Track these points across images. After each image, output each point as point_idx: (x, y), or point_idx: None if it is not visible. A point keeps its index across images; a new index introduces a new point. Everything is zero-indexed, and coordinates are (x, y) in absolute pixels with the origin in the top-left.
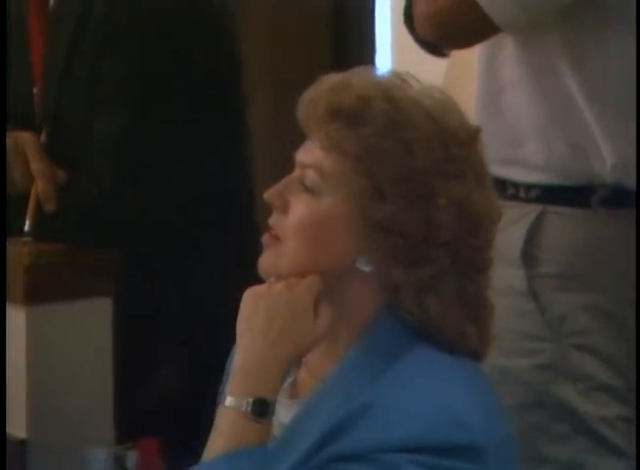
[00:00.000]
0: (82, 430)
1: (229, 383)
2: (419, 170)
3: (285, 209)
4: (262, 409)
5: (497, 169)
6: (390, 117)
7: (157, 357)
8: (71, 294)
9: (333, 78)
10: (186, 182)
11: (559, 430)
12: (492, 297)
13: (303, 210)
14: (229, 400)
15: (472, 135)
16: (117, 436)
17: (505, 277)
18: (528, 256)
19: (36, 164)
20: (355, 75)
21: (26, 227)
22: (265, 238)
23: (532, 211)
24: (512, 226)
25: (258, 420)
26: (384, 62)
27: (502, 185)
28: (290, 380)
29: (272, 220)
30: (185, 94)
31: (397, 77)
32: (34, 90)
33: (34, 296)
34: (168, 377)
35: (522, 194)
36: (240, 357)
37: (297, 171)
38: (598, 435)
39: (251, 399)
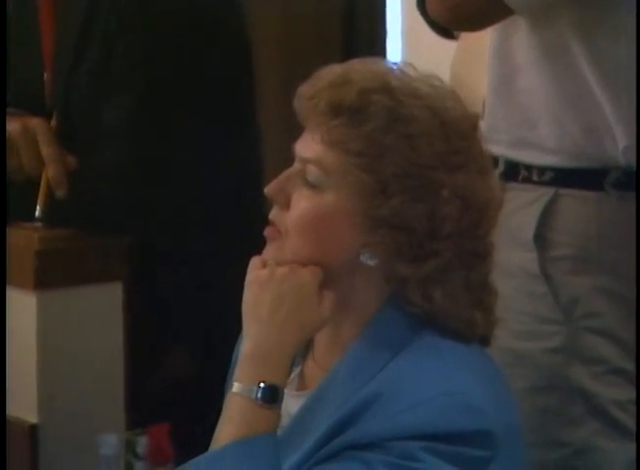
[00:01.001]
0: (93, 415)
1: (236, 370)
2: (422, 165)
3: (286, 204)
4: (272, 395)
5: (510, 152)
6: (392, 113)
7: (168, 343)
8: (82, 279)
9: (332, 73)
10: (197, 167)
11: (572, 413)
12: (505, 279)
13: (306, 205)
14: (237, 387)
15: (472, 124)
16: (128, 421)
17: (518, 260)
18: (541, 238)
19: (47, 150)
20: (354, 68)
21: (37, 213)
22: (268, 231)
23: (545, 193)
24: (525, 209)
25: (268, 406)
26: (394, 48)
27: (515, 168)
28: (297, 372)
29: (273, 215)
30: (196, 79)
31: (396, 67)
32: (45, 76)
33: (45, 281)
34: (180, 362)
35: (535, 177)
36: (247, 345)
37: (297, 165)
38: (611, 418)
39: (261, 386)
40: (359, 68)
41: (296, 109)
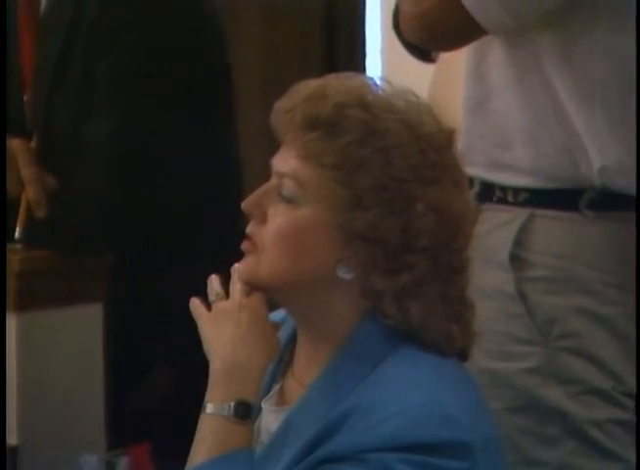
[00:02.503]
0: (73, 436)
1: (207, 391)
2: (397, 178)
3: (263, 218)
4: (245, 411)
5: (485, 173)
6: (367, 126)
7: (148, 363)
8: (62, 300)
9: (308, 87)
10: (178, 186)
11: (549, 433)
12: (481, 300)
13: (282, 220)
14: (209, 407)
15: (447, 138)
16: (109, 442)
17: (494, 280)
18: (517, 259)
19: (27, 171)
20: (330, 83)
21: (17, 234)
22: (245, 245)
23: (521, 214)
24: (500, 229)
25: (241, 422)
26: (374, 66)
27: (490, 189)
28: (277, 388)
29: (250, 229)
30: (176, 97)
31: (371, 82)
32: (25, 96)
33: (25, 302)
34: (160, 383)
35: (510, 198)
36: (214, 364)
37: (273, 180)
38: (588, 438)
39: (232, 403)
40: (335, 82)
41: (272, 124)
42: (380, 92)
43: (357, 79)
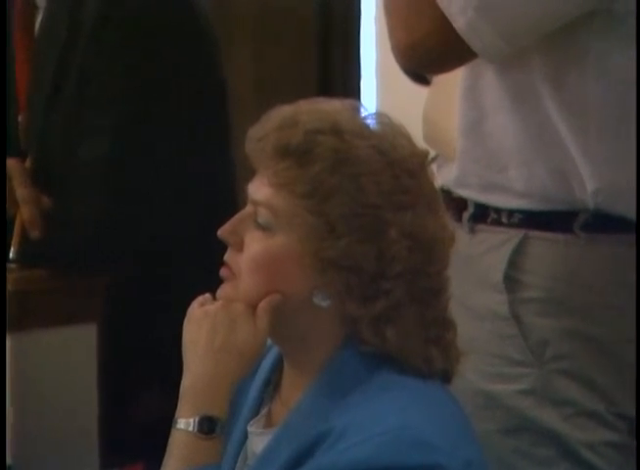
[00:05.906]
0: (67, 456)
1: (178, 406)
2: (369, 205)
3: (239, 245)
4: (209, 426)
5: (479, 195)
6: (338, 154)
7: (141, 383)
8: (56, 320)
9: (280, 114)
10: (174, 206)
11: (542, 455)
12: (475, 321)
13: (257, 247)
14: (179, 423)
15: (421, 162)
16: (103, 461)
17: (487, 302)
18: (511, 280)
19: (21, 191)
20: (302, 110)
21: (11, 254)
22: (222, 272)
23: (515, 236)
24: (494, 251)
25: (206, 437)
26: (369, 87)
27: (484, 210)
28: (265, 411)
29: (227, 257)
30: (170, 116)
31: (346, 107)
32: (19, 117)
33: (19, 323)
34: (154, 402)
35: (504, 219)
36: (186, 380)
37: (249, 207)
38: (582, 460)
39: (197, 418)
40: (307, 109)
41: (247, 151)
42: (352, 117)
43: (329, 105)
